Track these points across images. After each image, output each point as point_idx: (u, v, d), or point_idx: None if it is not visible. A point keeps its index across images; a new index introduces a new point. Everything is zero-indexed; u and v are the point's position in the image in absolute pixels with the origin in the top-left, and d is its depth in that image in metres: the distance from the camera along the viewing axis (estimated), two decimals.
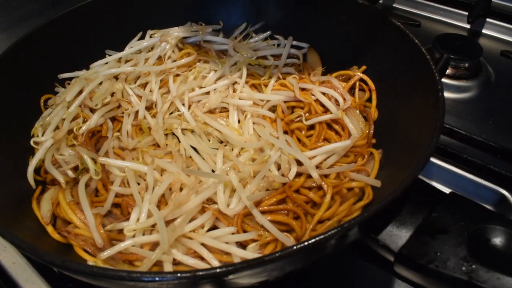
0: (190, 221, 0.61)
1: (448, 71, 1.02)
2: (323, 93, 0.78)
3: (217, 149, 0.70)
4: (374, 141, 0.72)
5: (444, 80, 1.02)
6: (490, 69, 1.06)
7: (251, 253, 0.57)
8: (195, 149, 0.72)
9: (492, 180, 0.80)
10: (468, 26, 1.17)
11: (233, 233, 0.60)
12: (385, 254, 0.49)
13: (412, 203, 0.51)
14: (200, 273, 0.40)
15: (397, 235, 0.49)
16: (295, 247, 0.42)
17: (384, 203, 0.46)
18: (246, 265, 0.42)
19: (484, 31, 1.17)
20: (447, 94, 1.01)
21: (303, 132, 0.74)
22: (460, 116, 0.97)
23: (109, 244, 0.59)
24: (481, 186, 0.80)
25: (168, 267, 0.56)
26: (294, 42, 0.90)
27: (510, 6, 1.16)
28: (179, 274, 0.40)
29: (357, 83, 0.80)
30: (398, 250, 0.47)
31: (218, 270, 0.40)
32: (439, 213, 0.49)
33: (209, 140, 0.74)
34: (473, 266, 0.44)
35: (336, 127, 0.74)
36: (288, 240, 0.58)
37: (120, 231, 0.61)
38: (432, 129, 0.54)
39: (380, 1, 1.28)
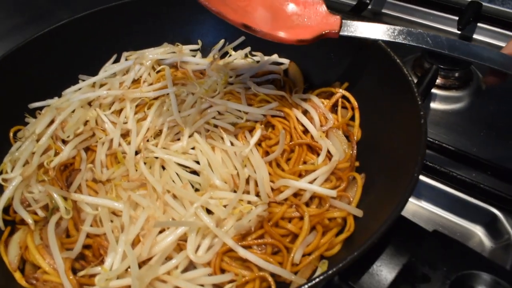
0: (166, 260, 0.59)
1: (437, 81, 0.99)
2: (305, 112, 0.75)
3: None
4: (357, 164, 0.69)
5: (433, 90, 0.99)
6: (482, 77, 1.03)
7: None
8: None
9: (483, 200, 0.77)
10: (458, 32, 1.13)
11: (209, 274, 0.57)
12: None
13: (393, 245, 0.48)
14: None
15: (377, 282, 0.46)
16: None
17: (361, 251, 0.43)
18: None
19: (475, 36, 1.13)
20: (437, 106, 0.98)
21: (284, 156, 0.71)
22: (451, 128, 0.93)
23: None
24: (471, 205, 0.77)
25: None
26: (275, 58, 0.87)
27: (501, 10, 1.12)
28: None
29: (340, 101, 0.76)
30: None
31: None
32: (421, 257, 0.46)
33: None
34: None
35: (318, 149, 0.71)
36: (283, 271, 0.55)
37: (92, 275, 0.58)
38: (413, 163, 0.51)
39: (369, 7, 1.25)
